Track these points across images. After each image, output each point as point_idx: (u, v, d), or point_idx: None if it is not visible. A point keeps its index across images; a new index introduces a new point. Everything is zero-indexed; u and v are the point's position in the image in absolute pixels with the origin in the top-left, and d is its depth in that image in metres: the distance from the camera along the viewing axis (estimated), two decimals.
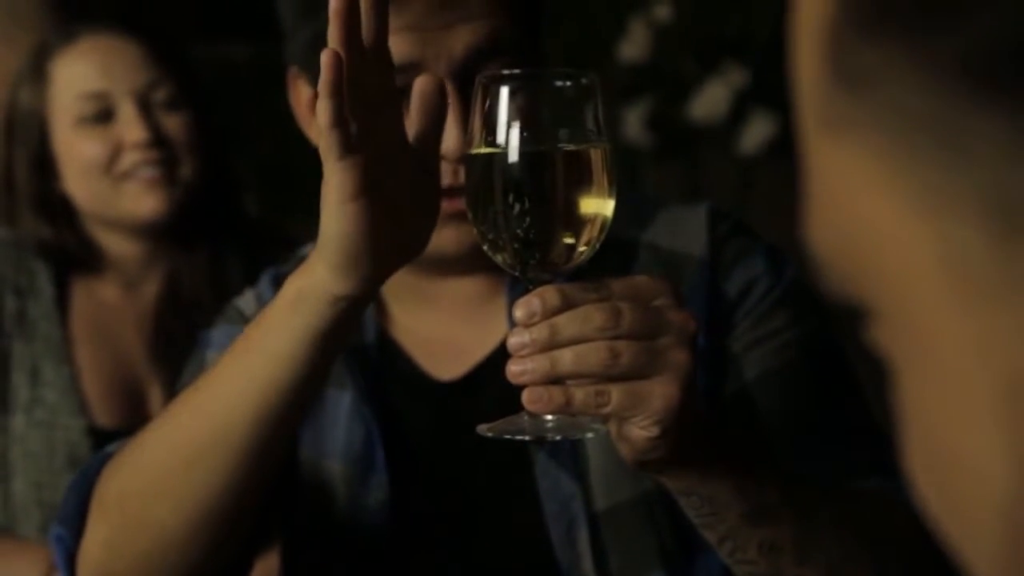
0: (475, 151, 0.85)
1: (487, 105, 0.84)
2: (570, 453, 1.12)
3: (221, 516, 0.96)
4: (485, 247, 0.88)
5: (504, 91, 0.84)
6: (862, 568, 0.96)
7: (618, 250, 1.16)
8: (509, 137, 0.83)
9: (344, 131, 0.83)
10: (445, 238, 1.08)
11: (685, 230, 1.17)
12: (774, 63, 3.34)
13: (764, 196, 3.17)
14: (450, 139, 1.01)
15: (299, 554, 1.22)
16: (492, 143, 0.84)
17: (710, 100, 3.33)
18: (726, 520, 0.92)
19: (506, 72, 0.85)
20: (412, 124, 0.90)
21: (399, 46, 1.03)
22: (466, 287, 1.16)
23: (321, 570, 1.19)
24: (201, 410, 0.96)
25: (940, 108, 0.35)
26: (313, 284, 0.89)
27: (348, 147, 0.84)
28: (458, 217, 1.05)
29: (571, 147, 0.85)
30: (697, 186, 3.33)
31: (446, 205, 0.96)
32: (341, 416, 1.17)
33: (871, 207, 0.37)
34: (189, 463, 0.95)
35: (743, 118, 3.32)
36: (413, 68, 1.04)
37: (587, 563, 1.11)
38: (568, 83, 0.84)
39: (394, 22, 1.04)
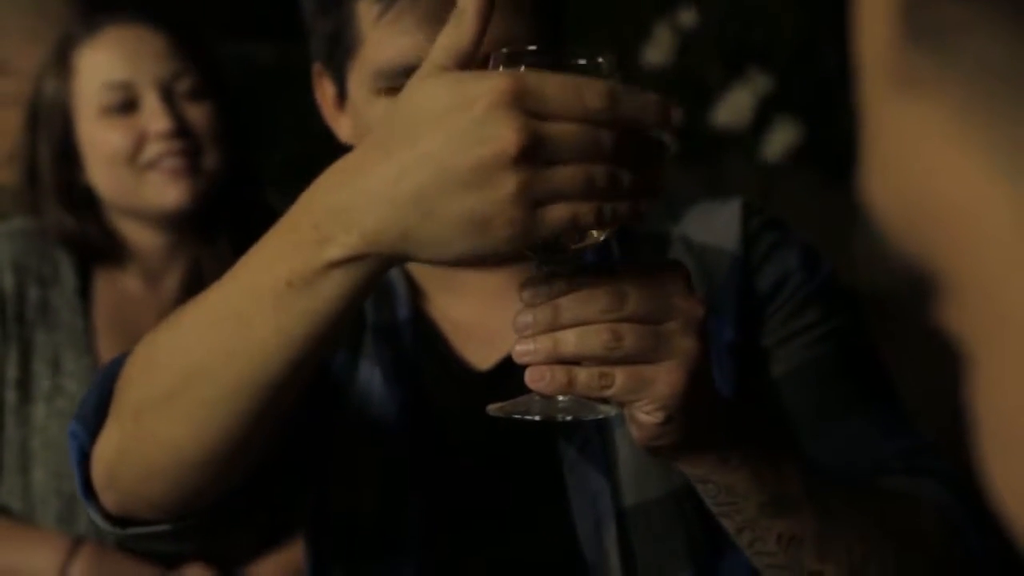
0: None
1: None
2: (599, 448, 1.11)
3: (239, 445, 0.92)
4: None
5: (522, 67, 0.83)
6: (886, 567, 0.95)
7: (651, 243, 1.16)
8: None
9: None
10: None
11: (718, 224, 1.16)
12: (799, 70, 3.34)
13: (787, 203, 3.16)
14: None
15: (325, 538, 1.21)
16: None
17: (734, 106, 3.33)
18: (744, 510, 0.91)
19: (523, 49, 0.84)
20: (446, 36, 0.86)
21: (416, 44, 1.03)
22: (493, 280, 1.15)
23: (346, 554, 1.18)
24: (224, 343, 0.88)
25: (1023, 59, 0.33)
26: (364, 252, 0.80)
27: None
28: None
29: None
30: (720, 192, 3.32)
31: None
32: (374, 393, 1.16)
33: (944, 170, 0.36)
34: (203, 395, 0.89)
35: (767, 125, 3.31)
36: None
37: (614, 559, 1.10)
38: (585, 62, 0.83)
39: (409, 17, 1.03)
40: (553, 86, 0.75)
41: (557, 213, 0.75)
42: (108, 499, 1.00)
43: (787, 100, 3.32)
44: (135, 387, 0.95)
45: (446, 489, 1.15)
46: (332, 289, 0.81)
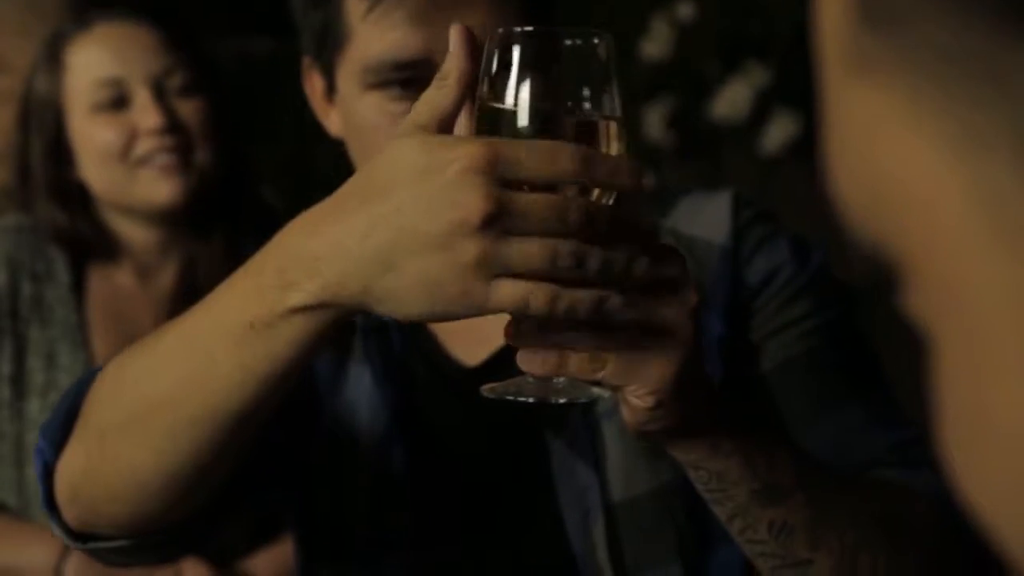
0: (484, 104, 0.84)
1: (497, 60, 0.83)
2: (588, 443, 1.11)
3: (199, 473, 0.93)
4: None
5: (516, 47, 0.83)
6: (878, 557, 0.94)
7: None
8: (519, 93, 0.82)
9: None
10: None
11: (708, 217, 1.16)
12: (797, 63, 3.34)
13: (786, 196, 3.16)
14: (461, 130, 1.00)
15: (314, 538, 1.21)
16: (500, 98, 0.83)
17: (732, 99, 3.32)
18: (735, 497, 0.90)
19: (519, 29, 0.84)
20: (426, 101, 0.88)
21: (405, 39, 1.03)
22: None
23: (337, 552, 1.18)
24: (189, 375, 0.89)
25: (975, 42, 0.33)
26: (325, 302, 0.81)
27: None
28: None
29: (579, 106, 0.84)
30: (718, 186, 3.32)
31: None
32: (363, 395, 1.16)
33: (900, 155, 0.36)
34: (163, 423, 0.91)
35: (765, 118, 3.31)
36: (422, 64, 1.03)
37: (602, 553, 1.10)
38: (580, 42, 0.83)
39: (398, 12, 1.03)
40: (527, 151, 0.76)
41: (508, 290, 0.76)
42: (70, 514, 1.00)
43: (785, 93, 3.31)
44: (102, 408, 0.96)
45: (435, 487, 1.15)
46: (292, 334, 0.83)
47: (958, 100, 0.34)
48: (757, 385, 1.11)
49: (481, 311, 0.78)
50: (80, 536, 1.02)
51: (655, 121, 3.41)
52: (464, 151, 0.76)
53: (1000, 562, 0.38)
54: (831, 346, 1.12)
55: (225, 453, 0.92)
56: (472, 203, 0.74)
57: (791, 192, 3.25)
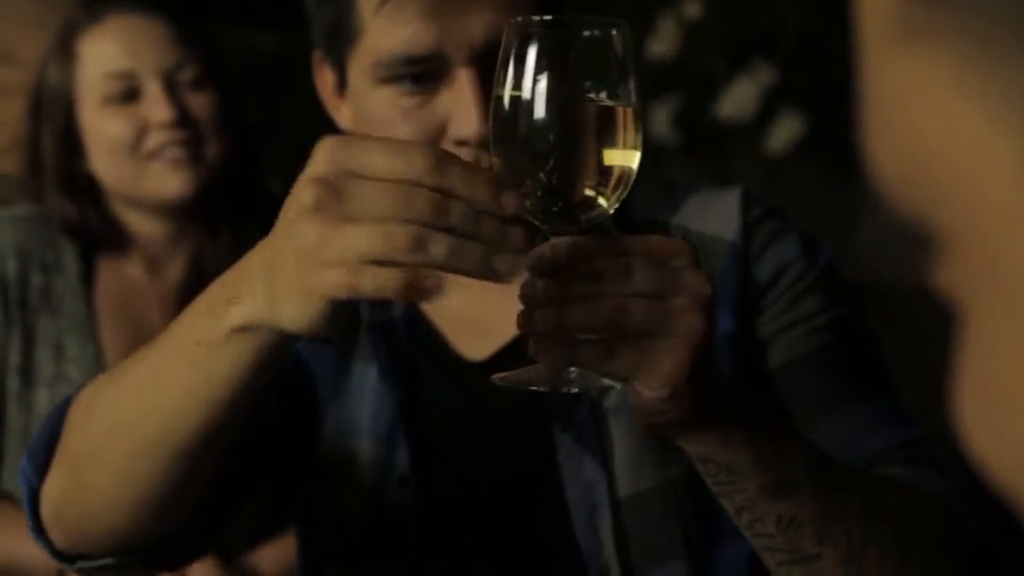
0: (502, 93, 0.84)
1: (516, 49, 0.84)
2: (595, 438, 1.11)
3: (165, 496, 0.95)
4: None
5: (535, 36, 0.84)
6: (885, 554, 0.95)
7: (648, 232, 1.16)
8: (536, 82, 0.83)
9: None
10: None
11: (716, 214, 1.16)
12: (803, 62, 3.33)
13: (792, 195, 3.16)
14: (472, 123, 1.01)
15: (317, 534, 1.21)
16: (519, 86, 0.83)
17: (738, 98, 3.32)
18: (744, 490, 0.90)
19: (537, 18, 0.85)
20: None
21: (417, 33, 1.03)
22: None
23: (340, 549, 1.18)
24: (138, 408, 0.93)
25: None
26: (260, 320, 0.83)
27: None
28: None
29: (596, 95, 0.85)
30: (724, 184, 3.32)
31: None
32: (367, 392, 1.16)
33: (944, 124, 0.35)
34: (128, 450, 0.94)
35: (771, 117, 3.30)
36: (434, 59, 1.04)
37: (609, 549, 1.10)
38: (597, 32, 0.84)
39: (410, 6, 1.04)
40: (378, 147, 0.78)
41: (331, 277, 0.76)
42: (55, 536, 1.02)
43: (791, 91, 3.31)
44: (75, 433, 0.98)
45: (440, 482, 1.15)
46: (234, 355, 0.84)
47: (1008, 67, 0.33)
48: (765, 382, 1.12)
49: (328, 295, 0.78)
50: (68, 556, 1.04)
51: (661, 119, 3.40)
52: (320, 148, 0.78)
53: (1002, 561, 0.38)
54: (839, 343, 1.12)
55: (185, 479, 0.94)
56: (307, 189, 0.77)
57: (797, 191, 3.25)
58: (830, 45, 3.24)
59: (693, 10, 3.38)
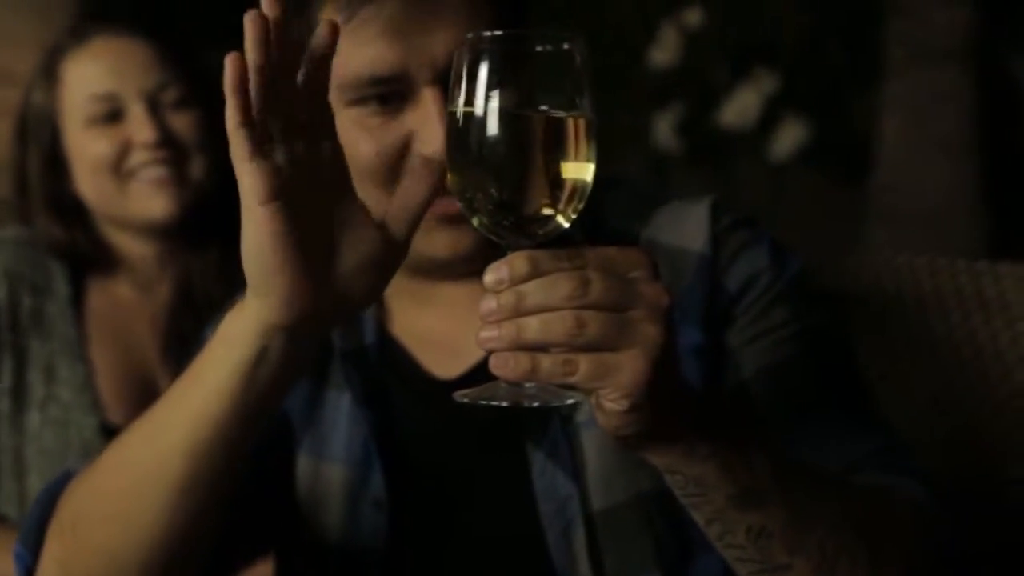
0: (455, 109, 0.84)
1: (468, 65, 0.84)
2: (567, 453, 1.11)
3: (170, 543, 0.96)
4: (462, 207, 0.88)
5: (486, 51, 0.84)
6: (856, 563, 0.94)
7: (617, 244, 1.15)
8: (488, 98, 0.83)
9: (250, 132, 0.84)
10: (439, 243, 1.07)
11: (686, 225, 1.15)
12: (805, 69, 3.33)
13: (794, 202, 3.15)
14: (436, 141, 1.01)
15: (294, 560, 1.21)
16: (471, 102, 0.84)
17: (741, 106, 3.32)
18: (713, 502, 0.90)
19: (489, 33, 0.85)
20: (398, 192, 0.92)
21: (381, 54, 1.03)
22: (463, 290, 1.14)
23: (316, 573, 1.18)
24: (145, 438, 0.97)
25: None
26: (244, 314, 0.89)
27: (256, 150, 0.85)
28: (450, 220, 1.05)
29: (548, 109, 0.85)
30: (727, 192, 3.31)
31: (437, 207, 0.96)
32: (341, 418, 1.16)
33: None
34: (134, 491, 0.96)
35: (774, 124, 3.30)
36: (399, 79, 1.04)
37: (583, 564, 1.10)
38: (551, 46, 0.84)
39: (372, 26, 1.04)
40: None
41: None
42: None
43: (793, 99, 3.30)
44: (74, 499, 1.00)
45: (416, 504, 1.15)
46: (264, 365, 0.90)
47: None
48: (738, 392, 1.11)
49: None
50: None
51: (664, 128, 3.40)
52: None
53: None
54: (809, 352, 1.11)
55: (197, 521, 0.96)
56: None
57: (800, 197, 3.25)
58: (832, 51, 3.23)
59: (695, 19, 3.39)
